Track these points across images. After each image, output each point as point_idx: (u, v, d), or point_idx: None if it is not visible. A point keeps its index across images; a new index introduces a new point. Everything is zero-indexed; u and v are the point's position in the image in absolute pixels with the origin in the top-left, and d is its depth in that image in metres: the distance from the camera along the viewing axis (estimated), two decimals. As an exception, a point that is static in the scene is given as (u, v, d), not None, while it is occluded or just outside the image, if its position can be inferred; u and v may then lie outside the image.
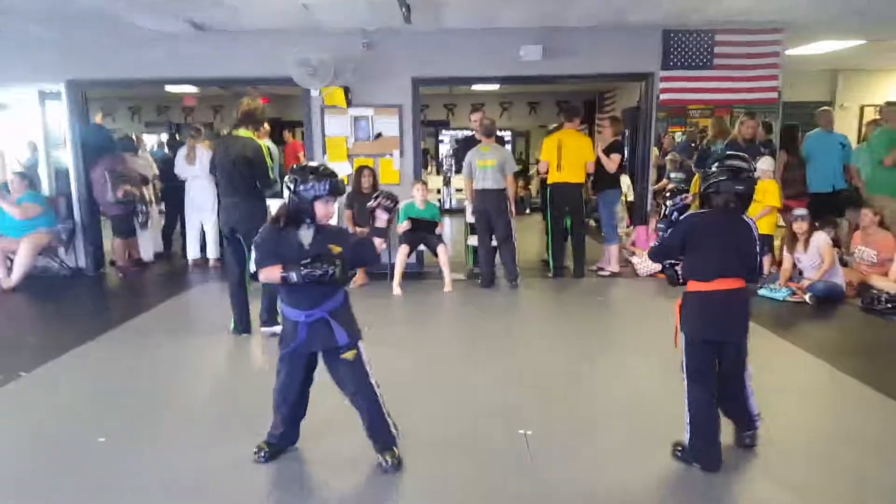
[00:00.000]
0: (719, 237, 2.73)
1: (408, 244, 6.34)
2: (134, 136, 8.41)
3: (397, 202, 2.92)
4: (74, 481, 2.80)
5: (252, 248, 2.76)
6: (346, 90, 6.72)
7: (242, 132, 4.67)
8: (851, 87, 10.70)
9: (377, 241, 2.82)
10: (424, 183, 6.54)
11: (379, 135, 6.91)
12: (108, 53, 6.79)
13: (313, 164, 2.76)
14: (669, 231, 2.80)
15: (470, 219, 7.03)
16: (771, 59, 6.79)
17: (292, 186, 2.66)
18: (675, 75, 6.77)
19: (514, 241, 6.44)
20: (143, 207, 7.26)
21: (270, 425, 2.92)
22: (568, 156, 6.52)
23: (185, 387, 3.99)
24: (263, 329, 4.77)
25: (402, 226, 6.29)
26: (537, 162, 7.31)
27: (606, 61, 6.80)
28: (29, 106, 7.08)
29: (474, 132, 6.92)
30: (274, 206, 4.66)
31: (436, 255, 6.38)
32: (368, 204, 2.89)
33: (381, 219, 2.84)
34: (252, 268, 2.74)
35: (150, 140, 12.05)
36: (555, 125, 9.28)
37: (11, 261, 6.59)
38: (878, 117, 7.84)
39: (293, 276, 2.60)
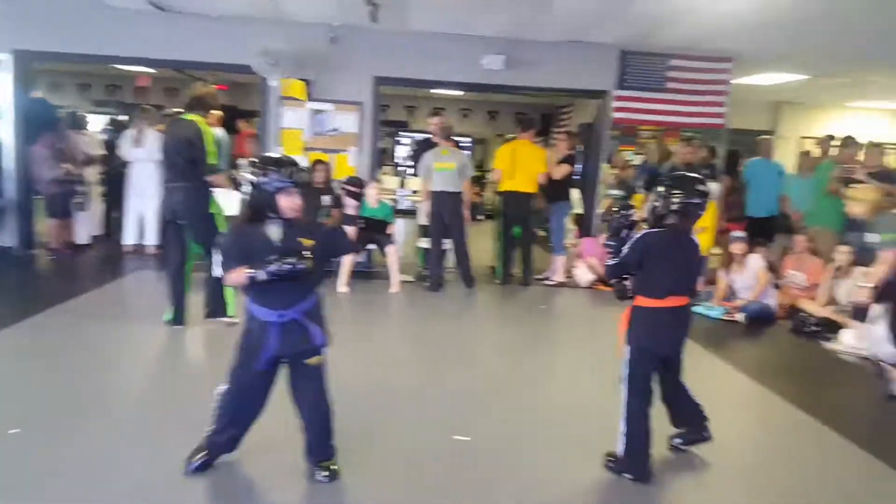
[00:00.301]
0: (673, 256, 2.84)
1: (358, 242, 6.30)
2: (78, 114, 8.05)
3: (363, 187, 2.86)
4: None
5: (219, 250, 2.63)
6: (307, 83, 6.67)
7: (190, 116, 4.54)
8: (792, 119, 11.26)
9: (349, 230, 2.76)
10: (378, 182, 6.53)
11: (336, 130, 6.88)
12: (62, 25, 6.56)
13: (273, 154, 2.66)
14: (627, 248, 2.85)
15: (423, 221, 7.06)
16: (719, 86, 7.09)
17: (254, 179, 2.51)
18: (629, 95, 6.99)
19: (467, 246, 6.51)
20: (82, 188, 6.96)
21: (214, 429, 2.65)
22: (521, 165, 6.64)
23: (113, 379, 3.79)
24: (211, 320, 4.66)
25: (352, 231, 6.24)
26: (492, 170, 7.42)
27: (565, 76, 6.97)
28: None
29: (432, 135, 6.96)
30: (219, 194, 4.62)
31: (384, 254, 6.38)
32: (339, 190, 2.84)
33: (350, 205, 2.80)
34: (218, 272, 2.58)
35: (99, 120, 11.61)
36: (512, 135, 9.42)
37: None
38: (809, 150, 8.23)
39: (260, 274, 2.42)
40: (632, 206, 2.95)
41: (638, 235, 2.86)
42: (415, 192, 11.78)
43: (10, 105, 6.78)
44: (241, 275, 2.46)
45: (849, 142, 7.10)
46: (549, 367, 4.54)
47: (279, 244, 2.51)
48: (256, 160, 2.59)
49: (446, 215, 6.38)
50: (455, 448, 3.10)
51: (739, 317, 5.85)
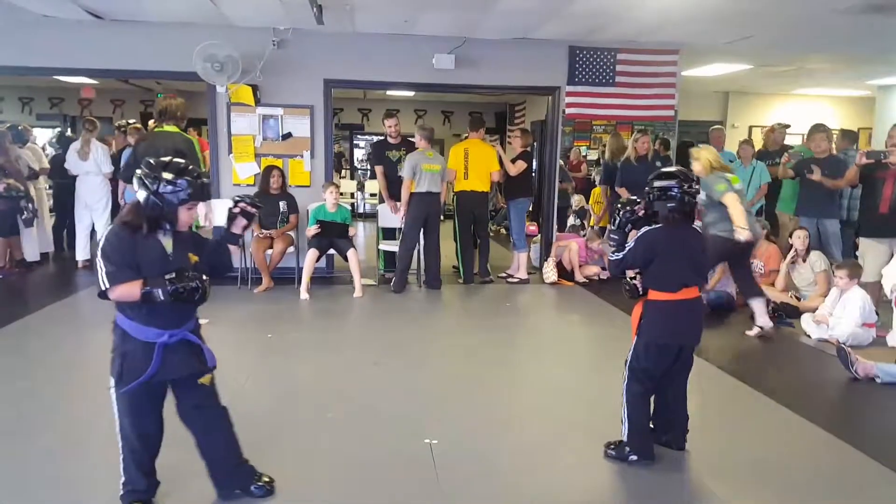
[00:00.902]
0: (682, 249, 2.89)
1: (317, 248, 6.23)
2: (21, 127, 7.77)
3: (259, 208, 2.66)
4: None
5: (99, 258, 2.25)
6: (255, 88, 6.56)
7: (168, 127, 4.58)
8: (741, 109, 11.56)
9: (232, 248, 2.55)
10: (336, 185, 6.46)
11: (289, 135, 6.78)
12: (-2, 38, 6.30)
13: (177, 161, 2.35)
14: (631, 247, 2.89)
15: (383, 223, 7.02)
16: (668, 78, 7.21)
17: (155, 186, 2.26)
18: (579, 90, 7.06)
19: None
20: (29, 204, 6.71)
21: (124, 480, 2.42)
22: (474, 164, 6.67)
23: (66, 404, 3.64)
24: None
25: (311, 229, 6.18)
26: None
27: (516, 74, 7.00)
28: None
29: (388, 136, 6.92)
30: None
31: (346, 259, 6.31)
32: (230, 207, 2.54)
33: (239, 225, 2.55)
34: (103, 284, 2.22)
35: (44, 134, 11.24)
36: (466, 135, 9.45)
37: None
38: (747, 139, 8.40)
39: (159, 294, 2.19)
40: (637, 202, 2.93)
41: (639, 234, 2.88)
42: (372, 194, 11.74)
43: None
44: (134, 289, 2.21)
45: (776, 127, 7.36)
46: (518, 364, 4.55)
47: (172, 259, 2.32)
48: (157, 164, 2.33)
49: (430, 216, 6.43)
50: (424, 451, 3.06)
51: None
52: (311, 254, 6.18)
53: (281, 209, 6.38)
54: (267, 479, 2.63)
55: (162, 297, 2.21)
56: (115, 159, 7.29)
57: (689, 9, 5.51)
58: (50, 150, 9.09)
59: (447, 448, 3.10)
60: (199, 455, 2.54)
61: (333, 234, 6.25)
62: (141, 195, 2.29)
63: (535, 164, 8.86)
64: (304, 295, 6.08)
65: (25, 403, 3.53)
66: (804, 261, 5.87)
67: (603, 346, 4.91)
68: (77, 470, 2.81)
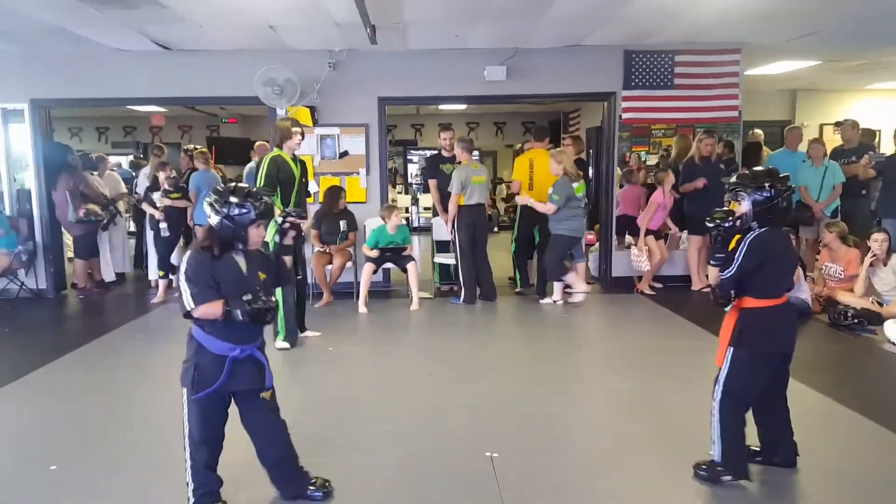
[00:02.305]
0: (786, 252, 2.82)
1: (373, 262, 6.32)
2: (94, 156, 8.22)
3: (304, 219, 2.78)
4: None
5: (182, 281, 2.43)
6: (312, 109, 6.74)
7: (280, 152, 4.92)
8: (811, 106, 11.02)
9: (286, 260, 2.70)
10: (398, 209, 6.56)
11: (345, 153, 6.92)
12: (73, 72, 6.73)
13: (243, 185, 2.56)
14: (743, 254, 2.71)
15: (438, 236, 7.06)
16: (730, 78, 6.98)
17: (225, 210, 2.43)
18: (636, 95, 6.93)
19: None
20: (108, 220, 7.07)
21: (194, 487, 2.53)
22: (539, 175, 6.60)
23: (143, 415, 3.81)
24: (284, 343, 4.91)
25: (370, 252, 6.26)
26: (502, 181, 7.42)
27: (569, 81, 6.93)
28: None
29: (442, 149, 6.96)
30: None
31: (405, 271, 6.37)
32: (279, 223, 2.75)
33: (289, 236, 2.75)
34: (188, 305, 2.39)
35: (120, 160, 11.89)
36: (520, 144, 9.41)
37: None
38: (818, 137, 8.03)
39: (239, 314, 2.36)
40: (733, 213, 2.78)
41: (750, 238, 2.72)
42: (426, 208, 11.83)
43: (31, 152, 6.94)
44: (216, 308, 2.38)
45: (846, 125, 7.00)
46: (581, 376, 4.47)
47: (246, 277, 2.48)
48: (227, 190, 2.51)
49: (479, 227, 6.46)
50: (485, 464, 3.03)
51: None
52: (368, 268, 6.27)
53: (341, 228, 6.50)
54: (322, 482, 2.73)
55: (241, 317, 2.37)
56: (185, 182, 7.61)
57: (750, 8, 5.32)
58: (123, 174, 9.56)
59: (509, 462, 3.06)
60: (260, 462, 2.63)
61: (393, 259, 6.40)
62: (214, 220, 2.47)
63: (590, 171, 8.74)
64: (362, 308, 6.17)
65: (107, 415, 3.72)
66: (885, 264, 5.53)
67: (670, 357, 4.75)
68: (150, 477, 2.92)
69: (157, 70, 6.73)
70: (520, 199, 6.40)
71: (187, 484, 2.54)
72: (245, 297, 2.39)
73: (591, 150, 9.45)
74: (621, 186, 7.27)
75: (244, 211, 2.44)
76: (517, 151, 10.47)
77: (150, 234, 7.35)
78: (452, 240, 6.55)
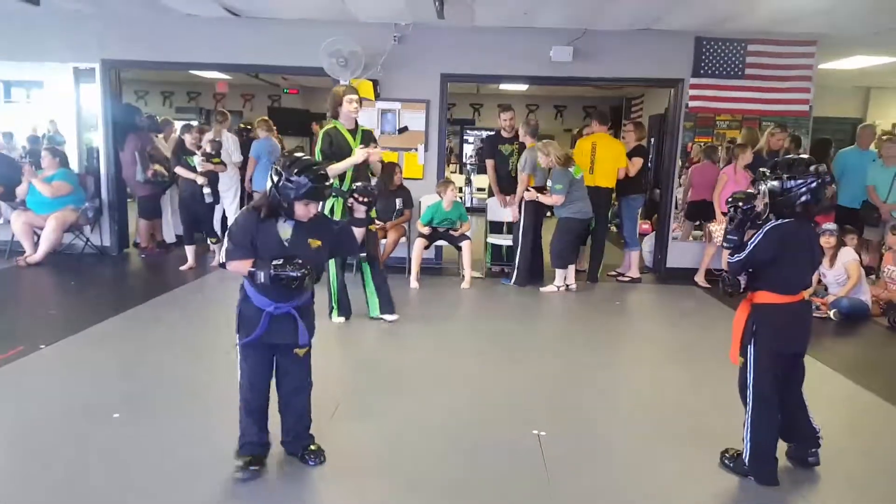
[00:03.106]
0: (808, 248, 2.67)
1: (425, 238, 6.34)
2: (160, 119, 8.44)
3: (374, 195, 2.78)
4: (89, 455, 2.83)
5: (227, 237, 2.57)
6: (375, 83, 6.75)
7: (336, 123, 4.66)
8: (885, 105, 10.51)
9: (357, 232, 2.72)
10: (454, 184, 6.53)
11: (405, 128, 6.93)
12: (143, 35, 6.89)
13: (305, 158, 2.57)
14: (758, 242, 2.63)
15: (492, 217, 7.03)
16: (803, 71, 6.70)
17: (276, 179, 2.50)
18: (705, 83, 6.71)
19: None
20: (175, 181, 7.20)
21: (240, 433, 2.66)
22: (601, 159, 6.49)
23: (200, 369, 3.95)
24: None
25: (423, 228, 6.29)
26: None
27: (637, 66, 6.76)
28: (63, 83, 7.18)
29: (501, 130, 6.89)
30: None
31: (458, 248, 6.38)
32: (349, 200, 2.80)
33: (360, 210, 2.76)
34: (222, 257, 2.58)
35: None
36: (579, 129, 9.25)
37: (38, 235, 6.70)
38: (889, 136, 7.64)
39: (261, 276, 2.46)
40: (754, 197, 2.70)
41: (768, 227, 2.63)
42: (480, 189, 11.78)
43: (100, 112, 7.18)
44: (245, 267, 2.51)
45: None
46: (629, 363, 4.43)
47: (288, 245, 2.55)
48: (286, 160, 2.54)
49: (541, 210, 6.45)
50: (532, 442, 3.04)
51: (831, 313, 5.52)
52: (419, 242, 6.30)
53: (397, 206, 6.54)
54: (317, 448, 2.80)
55: (263, 280, 2.47)
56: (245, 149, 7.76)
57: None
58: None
59: (555, 440, 3.07)
60: (279, 412, 2.75)
61: (445, 237, 6.44)
62: (268, 185, 2.55)
63: (651, 159, 8.55)
64: (413, 284, 6.21)
65: (167, 367, 3.87)
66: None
67: (718, 351, 4.62)
68: (210, 427, 3.01)
69: (224, 36, 6.83)
70: (528, 195, 6.20)
71: (240, 431, 2.67)
72: (275, 262, 2.45)
73: (651, 139, 9.24)
74: (689, 166, 7.04)
75: (290, 186, 2.47)
76: (576, 136, 10.31)
77: (169, 200, 7.53)
78: (517, 220, 6.48)
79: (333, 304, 4.86)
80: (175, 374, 3.80)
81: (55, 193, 6.66)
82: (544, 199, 6.14)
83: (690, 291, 6.49)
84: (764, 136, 6.62)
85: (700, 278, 6.71)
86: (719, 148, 7.03)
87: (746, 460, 2.73)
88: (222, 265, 2.56)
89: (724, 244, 2.79)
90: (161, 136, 7.94)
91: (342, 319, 4.88)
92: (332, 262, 4.63)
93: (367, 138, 4.76)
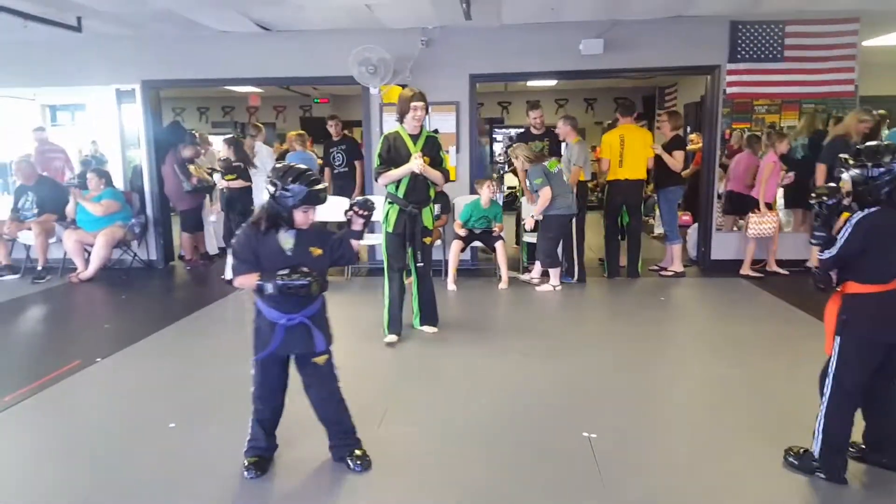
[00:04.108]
0: None
1: (461, 240, 6.35)
2: (197, 135, 8.65)
3: (372, 209, 2.78)
4: (147, 464, 2.92)
5: (231, 254, 2.62)
6: (405, 88, 6.77)
7: (400, 129, 4.45)
8: (935, 80, 10.06)
9: (354, 243, 2.75)
10: (492, 181, 6.52)
11: (436, 131, 6.91)
12: (180, 54, 7.09)
13: (298, 167, 2.59)
14: (847, 236, 2.54)
15: (526, 215, 6.98)
16: (846, 50, 6.48)
17: (272, 190, 2.54)
18: (742, 68, 6.55)
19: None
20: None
21: (249, 437, 2.80)
22: (630, 151, 6.40)
23: (248, 377, 4.02)
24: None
25: (460, 228, 6.31)
26: (597, 160, 7.20)
27: (670, 54, 6.63)
28: (105, 104, 7.43)
29: (531, 127, 6.85)
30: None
31: (493, 250, 6.37)
32: (345, 210, 2.76)
33: (358, 223, 2.74)
34: (228, 274, 2.64)
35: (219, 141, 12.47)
36: (609, 122, 9.12)
37: (88, 252, 6.94)
38: None
39: (269, 287, 2.50)
40: (838, 191, 2.61)
41: (856, 219, 2.54)
42: (510, 188, 11.72)
43: (142, 131, 7.39)
44: (251, 280, 2.55)
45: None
46: (677, 360, 4.33)
47: (290, 254, 2.59)
48: (277, 171, 2.57)
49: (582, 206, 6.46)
50: (583, 445, 3.01)
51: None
52: (456, 244, 6.31)
53: (434, 211, 6.53)
54: (363, 454, 2.81)
55: (271, 291, 2.51)
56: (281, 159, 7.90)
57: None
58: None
59: (607, 442, 3.02)
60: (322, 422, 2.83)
61: (481, 238, 6.45)
62: (264, 197, 2.61)
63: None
64: (451, 286, 6.22)
65: (219, 377, 3.96)
66: None
67: (772, 345, 4.53)
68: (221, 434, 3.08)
69: (257, 51, 6.97)
70: (529, 222, 6.21)
71: (248, 433, 2.80)
72: (281, 272, 2.50)
73: (688, 127, 9.06)
74: (728, 153, 6.90)
75: (288, 195, 2.51)
76: (605, 129, 10.18)
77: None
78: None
79: (384, 324, 4.62)
80: (225, 383, 3.87)
81: (106, 211, 6.89)
82: (540, 206, 6.02)
83: (737, 283, 6.34)
84: (852, 121, 6.26)
85: (746, 269, 6.55)
86: (762, 137, 6.86)
87: (817, 454, 2.64)
88: (229, 282, 2.59)
89: (812, 241, 2.68)
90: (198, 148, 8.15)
91: (394, 338, 4.59)
92: (385, 280, 4.60)
93: (431, 144, 4.48)
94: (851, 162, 2.55)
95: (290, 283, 2.49)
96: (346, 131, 8.33)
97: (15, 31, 6.13)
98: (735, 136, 7.77)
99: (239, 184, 6.65)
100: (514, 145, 6.42)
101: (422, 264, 4.58)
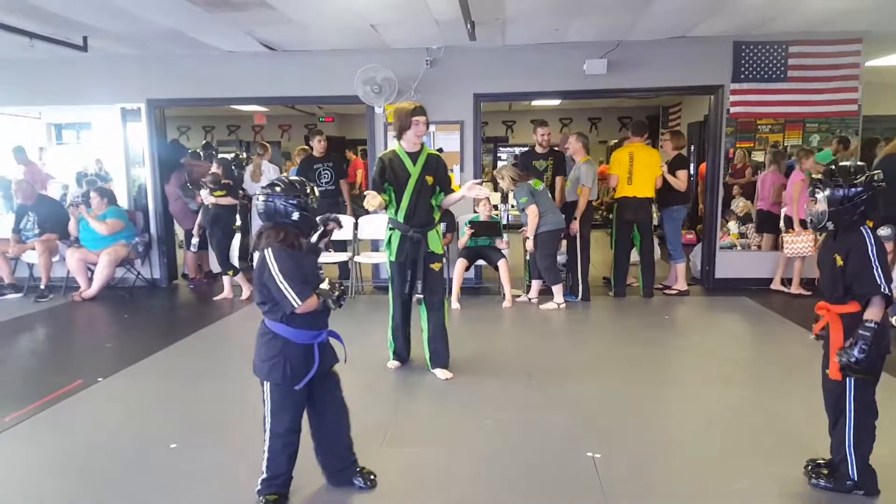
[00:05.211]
0: None
1: (466, 258, 6.33)
2: (202, 154, 8.69)
3: (339, 226, 2.76)
4: (148, 485, 2.88)
5: (281, 281, 2.43)
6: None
7: (397, 148, 4.15)
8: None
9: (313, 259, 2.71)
10: (488, 198, 6.51)
11: (440, 150, 6.95)
12: (185, 73, 7.13)
13: (278, 180, 2.59)
14: (877, 256, 2.49)
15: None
16: (849, 70, 6.49)
17: (304, 202, 2.51)
18: (746, 88, 6.56)
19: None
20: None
21: (267, 475, 2.59)
22: (639, 169, 6.39)
23: (252, 397, 3.95)
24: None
25: (464, 238, 6.30)
26: (604, 176, 7.20)
27: (674, 74, 6.66)
28: (110, 123, 7.47)
29: (537, 146, 6.86)
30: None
31: (496, 268, 6.34)
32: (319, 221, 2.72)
33: (322, 240, 2.71)
34: (295, 302, 2.42)
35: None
36: (615, 141, 9.14)
37: (91, 270, 6.93)
38: None
39: (330, 303, 2.50)
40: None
41: (867, 234, 2.53)
42: (513, 206, 11.70)
43: (146, 150, 7.42)
44: (314, 301, 2.47)
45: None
46: (681, 380, 4.29)
47: (321, 268, 2.66)
48: (293, 184, 2.55)
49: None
50: (587, 465, 2.97)
51: (893, 320, 5.26)
52: (461, 263, 6.29)
53: (441, 231, 6.53)
54: (368, 472, 2.78)
55: (332, 306, 2.52)
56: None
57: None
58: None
59: (611, 463, 2.98)
60: (315, 445, 2.73)
61: (485, 233, 6.39)
62: (296, 215, 2.51)
63: (691, 168, 8.37)
64: (454, 304, 6.19)
65: (222, 397, 3.92)
66: None
67: (777, 363, 4.47)
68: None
69: (262, 71, 7.01)
70: (529, 245, 6.12)
71: (262, 472, 2.60)
72: (324, 287, 2.52)
73: (692, 146, 9.08)
74: (732, 172, 6.89)
75: (312, 205, 2.56)
76: (611, 148, 10.20)
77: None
78: (575, 234, 6.41)
79: (389, 348, 4.46)
80: (227, 403, 3.85)
81: (111, 230, 6.87)
82: (530, 226, 5.96)
83: (741, 303, 6.29)
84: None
85: (776, 285, 6.64)
86: (790, 153, 6.94)
87: (854, 475, 2.63)
88: (292, 312, 2.46)
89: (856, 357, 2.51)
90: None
91: (396, 364, 4.41)
92: (390, 304, 4.35)
93: (435, 164, 4.15)
94: (827, 181, 2.56)
95: (343, 295, 2.55)
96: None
97: (21, 49, 6.18)
98: (738, 156, 7.78)
99: (227, 201, 6.60)
100: (498, 169, 6.49)
101: (423, 295, 4.20)
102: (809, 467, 2.78)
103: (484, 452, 3.14)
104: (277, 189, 2.52)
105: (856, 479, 2.63)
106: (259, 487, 2.61)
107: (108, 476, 2.97)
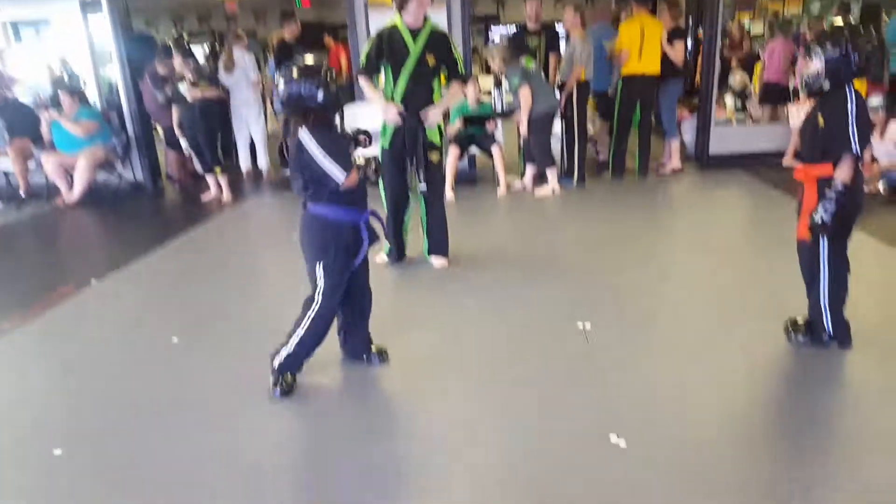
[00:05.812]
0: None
1: (458, 146, 6.16)
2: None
3: (371, 139, 2.80)
4: (157, 376, 2.94)
5: (323, 158, 2.43)
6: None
7: (397, 21, 3.72)
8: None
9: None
10: (477, 80, 6.23)
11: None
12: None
13: (292, 65, 2.51)
14: (856, 118, 2.49)
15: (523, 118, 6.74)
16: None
17: (318, 81, 2.45)
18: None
19: None
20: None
21: (292, 352, 2.64)
22: (649, 43, 6.04)
23: (247, 296, 3.95)
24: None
25: (454, 126, 6.10)
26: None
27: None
28: (70, 18, 6.97)
29: (528, 20, 6.46)
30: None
31: (490, 156, 6.20)
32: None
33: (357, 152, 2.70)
34: (342, 175, 2.43)
35: (196, 51, 11.90)
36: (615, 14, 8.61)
37: (70, 175, 6.72)
38: None
39: (371, 175, 2.55)
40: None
41: (853, 100, 2.51)
42: (507, 90, 11.30)
43: (113, 45, 6.96)
44: (356, 174, 2.51)
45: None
46: (672, 255, 4.33)
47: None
48: (320, 66, 2.51)
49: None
50: (578, 335, 3.02)
51: (879, 185, 5.26)
52: (453, 151, 6.13)
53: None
54: (380, 349, 2.93)
55: (372, 177, 2.56)
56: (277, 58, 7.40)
57: None
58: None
59: (602, 331, 3.12)
60: (342, 323, 2.85)
61: (475, 124, 6.18)
62: (320, 95, 2.45)
63: (688, 40, 8.01)
64: (449, 194, 6.07)
65: (219, 294, 3.93)
66: None
67: (766, 233, 4.48)
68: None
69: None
70: (523, 130, 5.90)
71: (288, 347, 2.64)
72: (358, 163, 2.51)
73: (689, 17, 8.63)
74: (728, 47, 6.58)
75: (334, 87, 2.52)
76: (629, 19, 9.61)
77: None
78: (569, 116, 6.18)
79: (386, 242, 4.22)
80: (224, 300, 3.85)
81: (87, 131, 6.59)
82: (524, 111, 5.71)
83: (736, 178, 6.23)
84: None
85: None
86: (795, 23, 6.57)
87: (830, 329, 2.78)
88: (336, 187, 2.47)
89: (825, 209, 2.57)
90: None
91: (385, 260, 4.22)
92: (382, 198, 4.05)
93: (439, 43, 3.75)
94: (819, 44, 2.56)
95: (377, 171, 2.58)
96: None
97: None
98: (736, 26, 7.40)
99: (213, 92, 6.29)
100: (491, 46, 6.03)
101: (427, 189, 3.97)
102: (788, 326, 2.93)
103: (484, 331, 3.22)
104: (294, 73, 2.45)
105: (832, 332, 2.79)
106: (281, 361, 2.66)
107: (114, 370, 3.04)
